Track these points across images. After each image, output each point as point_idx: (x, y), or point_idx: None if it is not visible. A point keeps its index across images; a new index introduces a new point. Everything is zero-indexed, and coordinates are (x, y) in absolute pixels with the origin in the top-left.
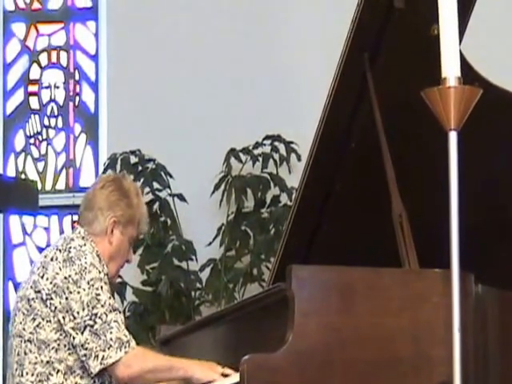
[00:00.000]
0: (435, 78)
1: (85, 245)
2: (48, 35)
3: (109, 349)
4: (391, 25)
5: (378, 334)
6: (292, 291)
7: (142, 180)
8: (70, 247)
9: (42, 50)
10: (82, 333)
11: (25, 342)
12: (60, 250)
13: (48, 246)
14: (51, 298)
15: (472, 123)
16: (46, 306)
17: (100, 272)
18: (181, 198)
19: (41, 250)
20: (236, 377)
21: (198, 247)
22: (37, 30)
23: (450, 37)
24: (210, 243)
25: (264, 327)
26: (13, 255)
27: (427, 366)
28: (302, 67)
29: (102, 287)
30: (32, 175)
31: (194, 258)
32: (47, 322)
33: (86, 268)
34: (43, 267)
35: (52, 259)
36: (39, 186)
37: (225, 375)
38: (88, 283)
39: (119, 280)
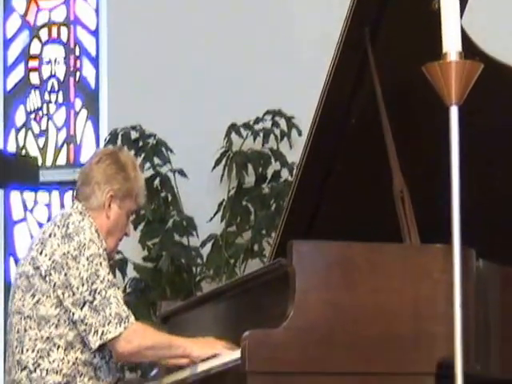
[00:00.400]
0: (436, 53)
1: (83, 220)
2: (48, 10)
3: (108, 324)
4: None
5: (378, 310)
6: (293, 267)
7: (142, 155)
8: (69, 223)
9: (43, 26)
10: (82, 308)
11: (24, 318)
12: (58, 226)
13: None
14: (50, 274)
15: (473, 98)
16: (46, 282)
17: (99, 248)
18: (181, 173)
19: (42, 225)
20: (237, 353)
21: (199, 223)
22: (37, 5)
23: (450, 11)
24: (211, 219)
25: (265, 303)
26: (14, 231)
27: (428, 341)
28: (303, 42)
29: (101, 263)
30: (33, 151)
31: (194, 233)
32: (47, 297)
33: (85, 244)
34: (42, 243)
35: (50, 235)
36: (40, 162)
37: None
38: (87, 259)
39: (120, 256)
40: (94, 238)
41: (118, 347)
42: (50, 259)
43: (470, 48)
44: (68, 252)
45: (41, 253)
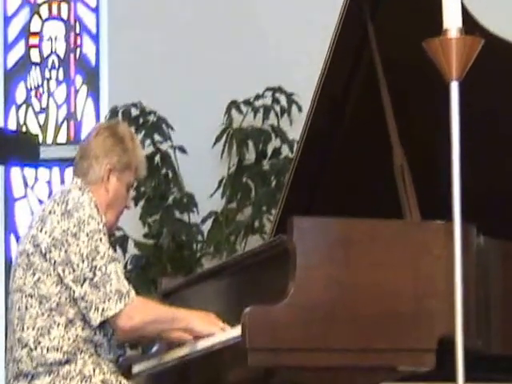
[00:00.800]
0: (437, 29)
1: (82, 195)
2: None
3: (109, 301)
4: None
5: (379, 286)
6: (293, 243)
7: (143, 132)
8: (68, 199)
9: (43, 2)
10: (82, 285)
11: (25, 296)
12: (58, 203)
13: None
14: (50, 251)
15: (473, 73)
16: (46, 260)
17: (99, 223)
18: (182, 150)
19: (42, 202)
20: (238, 329)
21: (200, 199)
22: None
23: None
24: (212, 195)
25: (266, 279)
26: (14, 208)
27: (429, 318)
28: (304, 17)
29: (101, 239)
30: (33, 128)
31: (195, 210)
32: (47, 276)
33: (84, 220)
34: (41, 221)
35: (50, 212)
36: (40, 139)
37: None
38: (87, 235)
39: (120, 233)
40: (94, 214)
41: (119, 324)
42: (49, 236)
43: (470, 23)
44: (68, 229)
45: (41, 230)
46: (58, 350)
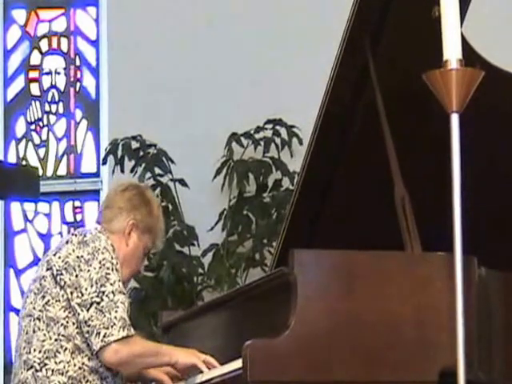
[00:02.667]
0: (437, 61)
1: (100, 233)
2: (48, 21)
3: (112, 327)
4: (392, 7)
5: (381, 319)
6: (294, 275)
7: (143, 165)
8: (86, 233)
9: (43, 36)
10: (88, 310)
11: (34, 320)
12: (75, 235)
13: (49, 232)
14: (61, 274)
15: (473, 105)
16: (56, 283)
17: (112, 258)
18: (182, 183)
19: (42, 236)
20: (239, 362)
21: (200, 232)
22: (37, 16)
23: (451, 18)
24: (212, 228)
25: (266, 312)
26: (14, 242)
27: (430, 349)
28: (304, 50)
29: (112, 269)
30: (33, 161)
31: (195, 243)
32: (56, 301)
33: (99, 249)
34: (58, 248)
35: (67, 242)
36: (40, 172)
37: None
38: (100, 262)
39: None
40: (109, 248)
41: (105, 357)
42: (63, 261)
43: (470, 55)
44: (81, 256)
45: (55, 255)
46: (63, 374)
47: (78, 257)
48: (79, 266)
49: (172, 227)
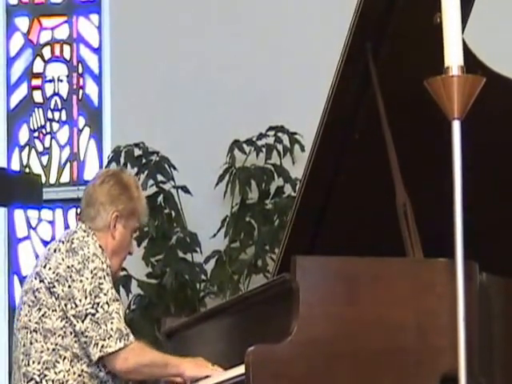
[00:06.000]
0: (438, 67)
1: (87, 236)
2: (51, 29)
3: (108, 339)
4: (394, 14)
5: (382, 325)
6: (297, 282)
7: (146, 172)
8: (73, 238)
9: (46, 44)
10: (83, 321)
11: (30, 332)
12: (63, 242)
13: (53, 239)
14: (54, 287)
15: (475, 112)
16: (51, 294)
17: (103, 263)
18: (185, 190)
19: (45, 243)
20: (241, 368)
21: (203, 239)
22: (40, 24)
23: (452, 25)
24: (215, 235)
25: (269, 318)
26: (18, 249)
27: (432, 355)
28: (306, 57)
29: (104, 277)
30: (36, 169)
31: (198, 249)
32: (53, 311)
33: (89, 257)
34: (46, 259)
35: (55, 250)
36: (43, 180)
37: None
38: (91, 272)
39: (124, 273)
40: (98, 253)
41: (115, 365)
42: (53, 272)
43: (472, 62)
44: (72, 265)
45: (44, 267)
46: (63, 383)
47: (68, 266)
48: (71, 277)
49: (175, 234)
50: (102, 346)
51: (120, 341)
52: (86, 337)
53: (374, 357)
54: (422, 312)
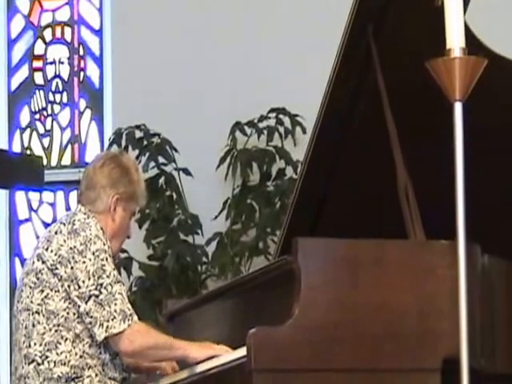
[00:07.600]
0: (440, 49)
1: (88, 218)
2: (52, 11)
3: (113, 320)
4: None
5: (383, 307)
6: (298, 264)
7: (147, 154)
8: (74, 220)
9: (47, 26)
10: (87, 302)
11: (32, 314)
12: (64, 224)
13: (54, 221)
14: (56, 268)
15: (476, 94)
16: (54, 275)
17: (104, 244)
18: (186, 172)
19: (47, 225)
20: (242, 350)
21: (204, 221)
22: (41, 6)
23: (454, 7)
24: (216, 217)
25: (270, 300)
26: (19, 231)
27: (433, 337)
28: (307, 39)
29: (107, 258)
30: (37, 151)
31: (199, 232)
32: (55, 292)
33: (91, 239)
34: (47, 241)
35: (56, 232)
36: (45, 162)
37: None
38: (93, 254)
39: (125, 255)
40: (100, 235)
41: (121, 346)
42: (55, 254)
43: (474, 44)
44: (74, 247)
45: (47, 249)
46: (65, 364)
47: (70, 248)
48: (73, 258)
49: (176, 216)
50: (107, 327)
51: (124, 322)
52: (91, 317)
53: (375, 340)
54: (423, 295)
